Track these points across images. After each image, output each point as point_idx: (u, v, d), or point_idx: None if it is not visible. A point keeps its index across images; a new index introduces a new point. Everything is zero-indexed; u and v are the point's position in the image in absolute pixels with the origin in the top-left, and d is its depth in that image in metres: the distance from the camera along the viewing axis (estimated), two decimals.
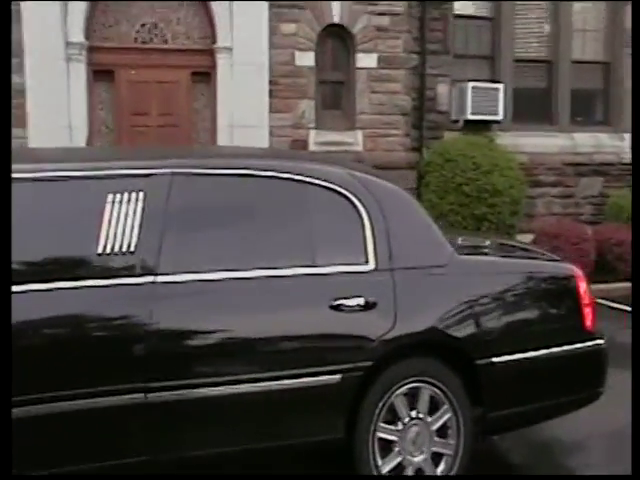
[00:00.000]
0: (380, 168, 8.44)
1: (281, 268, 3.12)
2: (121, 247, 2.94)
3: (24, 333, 2.76)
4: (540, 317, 3.53)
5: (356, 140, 8.48)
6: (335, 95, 8.57)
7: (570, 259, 4.01)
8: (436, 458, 3.36)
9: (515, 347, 3.42)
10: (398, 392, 3.25)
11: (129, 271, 2.93)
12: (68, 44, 7.73)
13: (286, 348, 3.08)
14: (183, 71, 8.22)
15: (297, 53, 8.17)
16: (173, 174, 3.09)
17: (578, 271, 3.65)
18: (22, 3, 7.54)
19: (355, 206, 3.30)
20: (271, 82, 8.11)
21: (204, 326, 2.99)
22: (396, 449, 3.29)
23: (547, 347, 3.48)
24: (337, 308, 3.12)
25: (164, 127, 8.20)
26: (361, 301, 3.15)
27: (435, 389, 3.31)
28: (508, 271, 3.55)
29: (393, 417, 3.28)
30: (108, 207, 2.98)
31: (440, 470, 3.35)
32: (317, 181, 3.28)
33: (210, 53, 8.14)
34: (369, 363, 3.14)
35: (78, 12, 7.77)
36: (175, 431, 2.92)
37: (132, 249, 2.95)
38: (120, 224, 2.97)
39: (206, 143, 8.31)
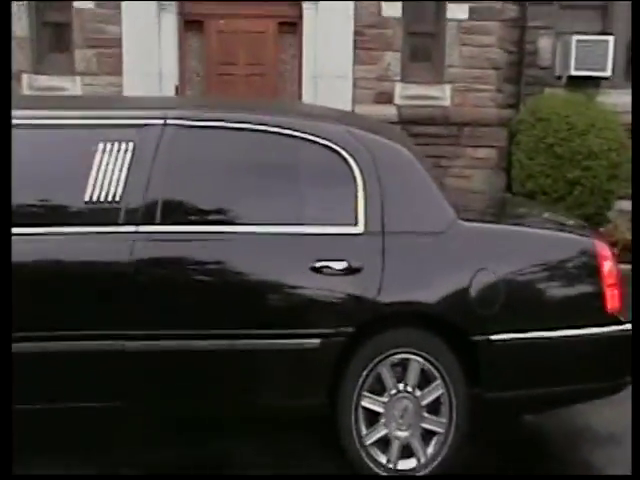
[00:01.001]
0: (468, 124, 8.18)
1: (262, 224, 3.13)
2: (107, 196, 3.08)
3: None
4: (550, 295, 3.30)
5: (444, 94, 8.17)
6: (423, 47, 8.27)
7: None
8: (427, 436, 3.27)
9: (518, 326, 3.24)
10: (384, 362, 3.19)
11: (113, 219, 3.07)
12: None
13: (263, 307, 3.10)
14: (270, 21, 8.23)
15: (383, 4, 7.93)
16: (164, 125, 3.18)
17: (603, 248, 3.38)
18: None
19: (349, 165, 3.22)
20: (356, 33, 7.94)
21: (179, 279, 3.07)
22: (382, 421, 3.24)
23: (555, 328, 3.27)
24: (318, 270, 3.09)
25: (251, 76, 8.30)
26: (344, 265, 3.10)
27: (426, 363, 3.22)
28: (518, 242, 3.34)
29: (381, 388, 3.24)
30: (98, 156, 3.12)
31: (430, 449, 3.25)
32: (309, 137, 3.23)
33: (298, 3, 8.08)
34: (350, 329, 3.11)
35: None
36: (148, 381, 3.05)
37: (117, 199, 3.08)
38: (108, 173, 3.10)
39: (291, 94, 8.33)
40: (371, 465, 3.24)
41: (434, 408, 3.26)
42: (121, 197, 3.09)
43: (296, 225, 3.14)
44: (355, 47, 7.97)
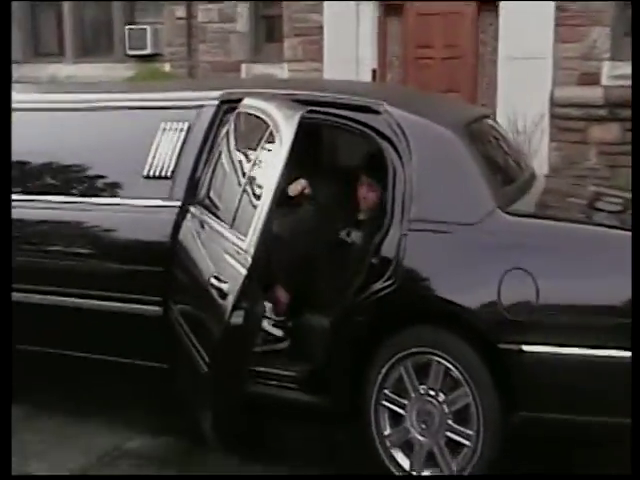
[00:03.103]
0: None
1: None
2: (161, 173, 3.34)
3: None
4: (600, 306, 2.84)
5: None
6: None
7: None
8: (457, 448, 3.00)
9: (559, 339, 2.83)
10: (404, 361, 3.02)
11: (165, 195, 3.32)
12: None
13: None
14: (469, 1, 7.88)
15: None
16: (218, 106, 3.33)
17: None
18: None
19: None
20: (558, 8, 7.26)
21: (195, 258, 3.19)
22: (406, 424, 3.07)
23: (606, 347, 2.79)
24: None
25: (448, 59, 8.06)
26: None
27: (451, 367, 2.97)
28: (568, 239, 2.92)
29: (405, 388, 3.07)
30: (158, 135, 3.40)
31: (457, 462, 2.97)
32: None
33: None
34: None
35: None
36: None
37: (169, 175, 3.33)
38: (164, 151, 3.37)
39: (490, 76, 7.91)
40: (392, 469, 3.08)
41: (463, 418, 3.00)
42: (173, 174, 3.33)
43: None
44: (556, 24, 7.31)
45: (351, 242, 3.47)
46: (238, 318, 2.60)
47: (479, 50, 8.01)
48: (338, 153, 4.20)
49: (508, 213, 2.97)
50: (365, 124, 3.15)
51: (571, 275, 2.85)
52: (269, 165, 2.71)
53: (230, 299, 2.64)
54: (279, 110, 2.83)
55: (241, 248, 2.69)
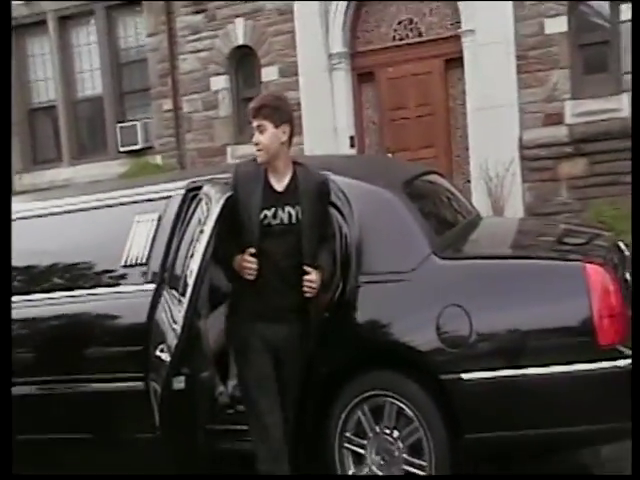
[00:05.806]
0: None
1: None
2: (137, 260, 3.56)
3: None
4: (529, 330, 3.01)
5: (621, 105, 7.37)
6: (595, 58, 7.59)
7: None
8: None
9: (493, 364, 3.01)
10: (361, 405, 3.19)
11: (142, 279, 3.52)
12: (330, 56, 8.58)
13: None
14: (436, 60, 8.33)
15: (547, 21, 7.50)
16: (185, 194, 3.54)
17: (597, 274, 2.95)
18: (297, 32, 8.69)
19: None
20: (518, 57, 7.66)
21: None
22: (367, 462, 3.23)
23: (535, 366, 2.96)
24: None
25: (422, 117, 8.44)
26: None
27: (402, 405, 3.14)
28: (496, 275, 3.13)
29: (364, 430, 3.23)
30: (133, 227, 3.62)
31: None
32: None
33: (458, 38, 8.06)
34: None
35: (337, 26, 8.57)
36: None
37: (144, 262, 3.53)
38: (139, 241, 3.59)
39: (463, 128, 8.25)
40: None
41: (417, 450, 3.16)
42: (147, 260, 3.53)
43: None
44: (518, 71, 7.68)
45: None
46: (180, 384, 2.80)
47: (450, 105, 8.38)
48: None
49: (441, 257, 3.19)
50: None
51: (500, 305, 3.06)
52: (199, 244, 2.92)
53: (166, 366, 2.89)
54: (214, 194, 3.06)
55: (176, 320, 2.94)
